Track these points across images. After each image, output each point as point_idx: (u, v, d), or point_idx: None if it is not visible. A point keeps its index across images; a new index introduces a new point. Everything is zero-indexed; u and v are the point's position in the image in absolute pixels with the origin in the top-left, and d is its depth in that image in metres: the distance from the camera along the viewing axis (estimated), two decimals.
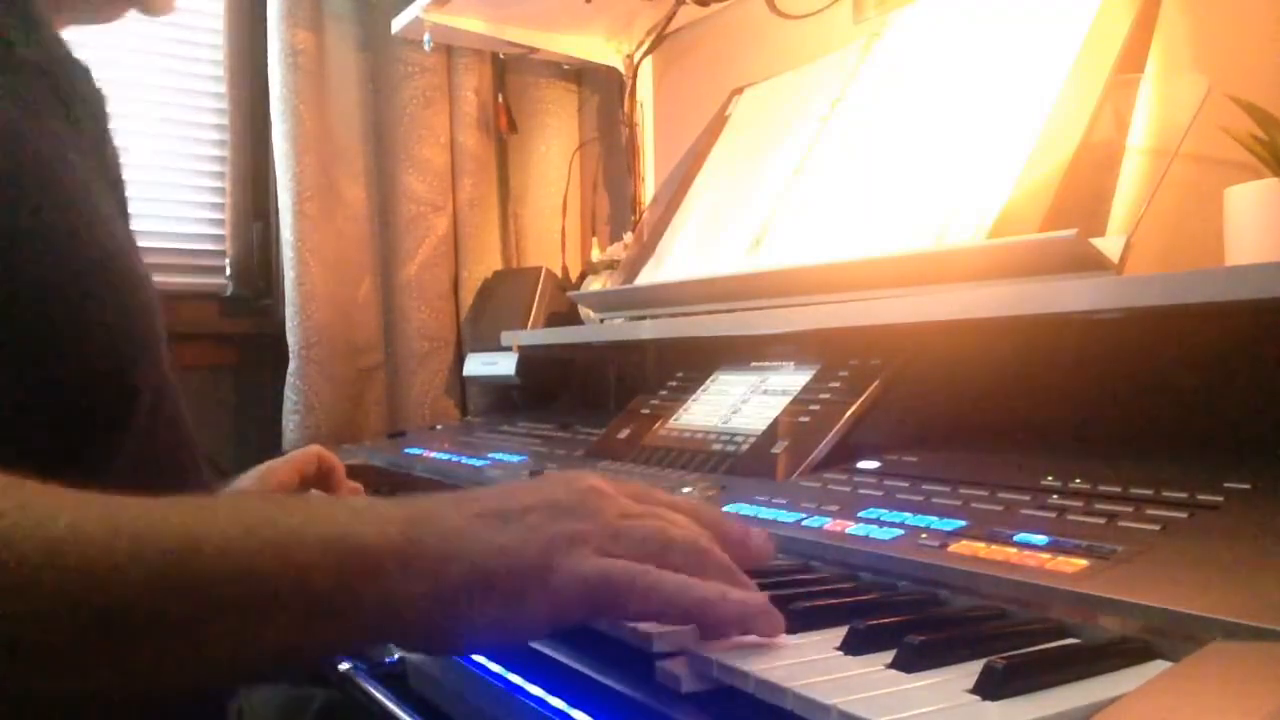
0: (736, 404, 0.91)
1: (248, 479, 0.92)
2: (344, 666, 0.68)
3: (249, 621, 0.38)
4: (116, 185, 0.58)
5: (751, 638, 0.43)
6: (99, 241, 0.50)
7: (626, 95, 1.56)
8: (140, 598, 0.35)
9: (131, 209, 0.60)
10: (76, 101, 0.55)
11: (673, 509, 0.49)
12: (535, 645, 0.51)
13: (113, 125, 0.60)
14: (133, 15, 0.66)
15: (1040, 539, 0.52)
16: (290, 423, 1.55)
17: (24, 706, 0.36)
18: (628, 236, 1.39)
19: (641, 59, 1.55)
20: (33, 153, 0.47)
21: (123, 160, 0.60)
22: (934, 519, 0.58)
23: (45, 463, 0.39)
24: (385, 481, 1.03)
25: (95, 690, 0.36)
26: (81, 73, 0.57)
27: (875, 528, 0.59)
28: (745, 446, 0.83)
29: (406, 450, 1.25)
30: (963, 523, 0.57)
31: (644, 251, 1.24)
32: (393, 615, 0.40)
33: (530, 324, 1.48)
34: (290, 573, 0.38)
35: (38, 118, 0.50)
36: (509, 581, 0.41)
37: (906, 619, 0.46)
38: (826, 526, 0.61)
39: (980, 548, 0.52)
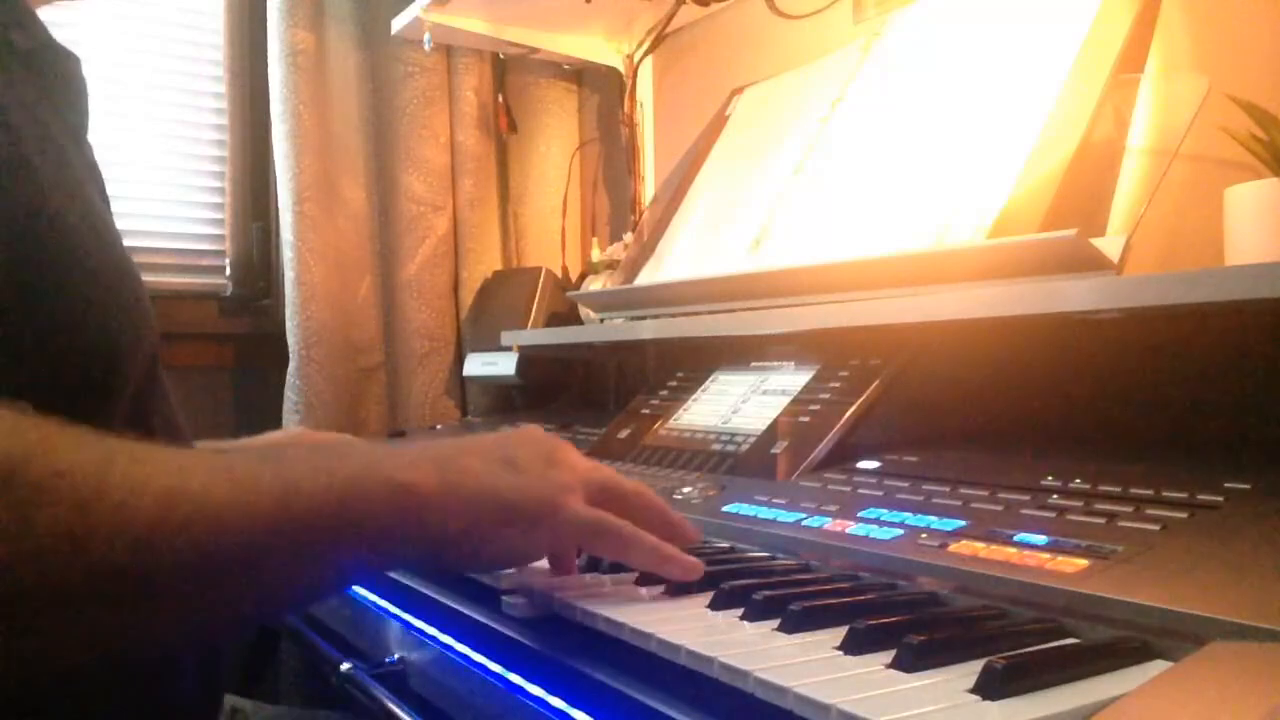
0: (736, 404, 0.91)
1: (283, 436, 0.95)
2: (345, 667, 0.68)
3: (315, 554, 0.44)
4: (96, 175, 0.59)
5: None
6: (95, 231, 0.50)
7: (626, 95, 1.56)
8: (228, 537, 0.40)
9: (130, 209, 0.60)
10: (60, 88, 0.56)
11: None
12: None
13: (91, 118, 0.60)
14: None
15: (1040, 539, 0.52)
16: (290, 423, 1.55)
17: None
18: (628, 236, 1.39)
19: (641, 59, 1.55)
20: (19, 137, 0.48)
21: (97, 156, 0.60)
22: (934, 519, 0.58)
23: None
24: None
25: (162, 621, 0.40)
26: (68, 61, 0.58)
27: (875, 528, 0.59)
28: (745, 446, 0.83)
29: None
30: (963, 523, 0.57)
31: (644, 251, 1.24)
32: (435, 541, 0.48)
33: (530, 324, 1.48)
34: (359, 508, 0.44)
35: (24, 104, 0.50)
36: (526, 515, 0.50)
37: (906, 619, 0.46)
38: (826, 526, 0.61)
39: (980, 548, 0.52)
